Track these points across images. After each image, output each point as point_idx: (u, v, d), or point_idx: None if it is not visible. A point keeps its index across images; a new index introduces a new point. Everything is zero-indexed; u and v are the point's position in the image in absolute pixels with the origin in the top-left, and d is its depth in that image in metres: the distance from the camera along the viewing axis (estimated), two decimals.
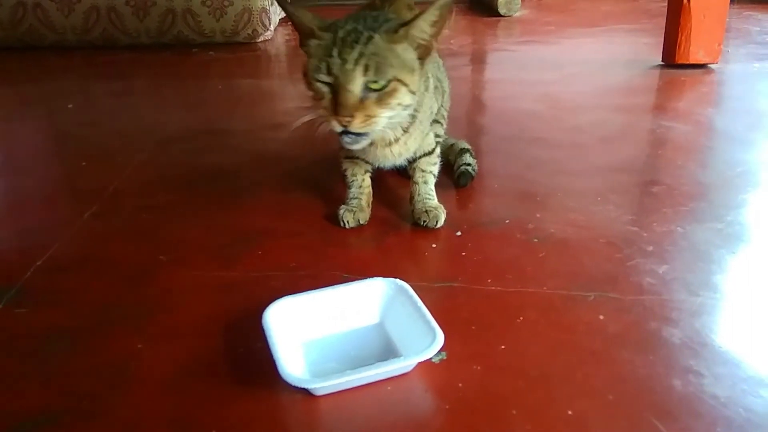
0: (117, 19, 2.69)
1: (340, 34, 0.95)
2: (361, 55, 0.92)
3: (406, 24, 0.95)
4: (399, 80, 0.94)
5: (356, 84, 0.93)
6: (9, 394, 0.78)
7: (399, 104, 0.96)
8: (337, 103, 0.93)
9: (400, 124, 1.06)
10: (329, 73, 0.93)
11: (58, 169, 1.56)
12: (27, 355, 0.85)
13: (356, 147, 1.02)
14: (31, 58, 2.65)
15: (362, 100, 0.93)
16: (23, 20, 2.67)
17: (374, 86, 0.93)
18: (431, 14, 0.94)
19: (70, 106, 2.00)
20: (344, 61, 0.92)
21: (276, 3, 2.85)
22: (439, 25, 0.96)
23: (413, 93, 0.98)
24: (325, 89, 0.95)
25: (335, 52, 0.93)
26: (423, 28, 0.96)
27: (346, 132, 0.96)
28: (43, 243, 1.12)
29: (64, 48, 2.73)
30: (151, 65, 2.54)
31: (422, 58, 0.99)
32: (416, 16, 0.95)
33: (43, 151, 1.70)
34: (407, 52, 0.96)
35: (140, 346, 0.85)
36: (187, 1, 2.69)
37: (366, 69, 0.92)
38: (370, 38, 0.93)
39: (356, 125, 0.94)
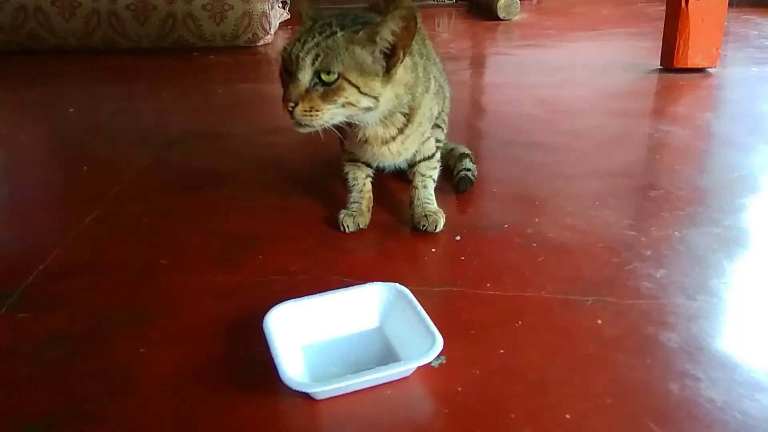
0: (118, 23, 2.70)
1: (317, 24, 0.99)
2: (317, 45, 0.96)
3: (368, 28, 0.98)
4: (346, 79, 0.96)
5: (305, 72, 0.96)
6: (12, 398, 0.78)
7: (347, 102, 0.98)
8: (287, 88, 0.97)
9: (392, 122, 1.08)
10: (289, 54, 0.97)
11: (59, 173, 1.57)
12: (29, 360, 0.85)
13: (300, 131, 1.01)
14: (32, 63, 2.67)
15: (308, 91, 0.96)
16: (24, 24, 2.68)
17: (325, 78, 0.96)
18: (392, 23, 0.96)
19: (71, 110, 2.01)
20: (302, 47, 0.96)
21: (277, 7, 2.87)
22: (403, 35, 0.97)
23: (369, 96, 0.99)
24: (286, 78, 0.99)
25: (302, 39, 0.98)
26: (384, 36, 0.97)
27: (291, 116, 0.99)
28: (44, 248, 1.13)
29: (65, 52, 2.74)
30: (152, 69, 2.55)
31: (389, 66, 1.00)
32: (377, 23, 0.97)
33: (45, 156, 1.71)
34: (366, 55, 0.98)
35: (142, 351, 0.86)
36: (188, 5, 2.70)
37: (316, 58, 0.95)
38: (333, 33, 0.97)
39: (298, 113, 0.96)
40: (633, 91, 2.10)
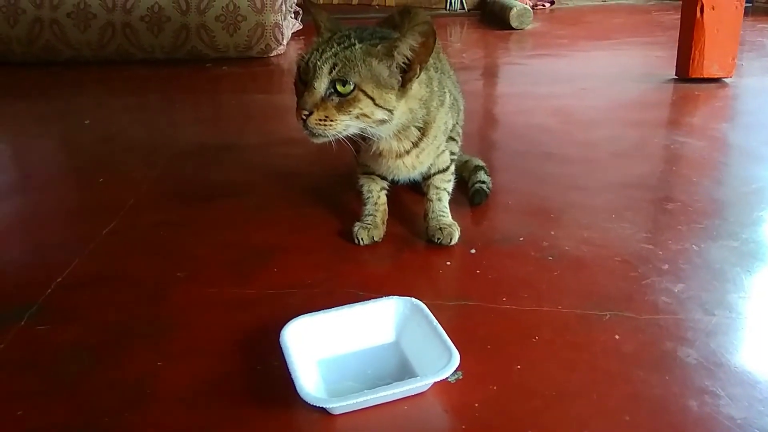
0: (132, 34, 2.73)
1: (336, 36, 1.00)
2: (335, 54, 0.96)
3: (386, 42, 0.98)
4: (362, 90, 0.96)
5: (321, 81, 0.96)
6: (30, 410, 0.79)
7: (362, 114, 0.98)
8: (301, 96, 0.97)
9: (407, 136, 1.08)
10: (306, 63, 0.98)
11: (75, 185, 1.58)
12: (48, 372, 0.86)
13: (314, 141, 1.01)
14: (48, 74, 2.69)
15: (324, 100, 0.96)
16: (40, 36, 2.71)
17: (341, 89, 0.96)
18: (411, 38, 0.97)
19: (86, 121, 2.02)
20: (320, 56, 0.97)
21: (290, 18, 2.88)
22: (421, 51, 0.97)
23: (384, 108, 0.99)
24: (301, 87, 0.99)
25: (320, 48, 0.98)
26: (402, 51, 0.98)
27: (305, 125, 0.98)
28: (62, 260, 1.13)
29: (80, 64, 2.77)
30: (166, 80, 2.57)
31: (405, 81, 1.00)
32: (397, 38, 0.98)
33: (61, 168, 1.72)
34: (382, 69, 0.98)
35: (159, 363, 0.86)
36: (201, 16, 2.72)
37: (333, 67, 0.96)
38: (351, 45, 0.98)
39: (312, 122, 0.96)
40: (648, 101, 2.09)
